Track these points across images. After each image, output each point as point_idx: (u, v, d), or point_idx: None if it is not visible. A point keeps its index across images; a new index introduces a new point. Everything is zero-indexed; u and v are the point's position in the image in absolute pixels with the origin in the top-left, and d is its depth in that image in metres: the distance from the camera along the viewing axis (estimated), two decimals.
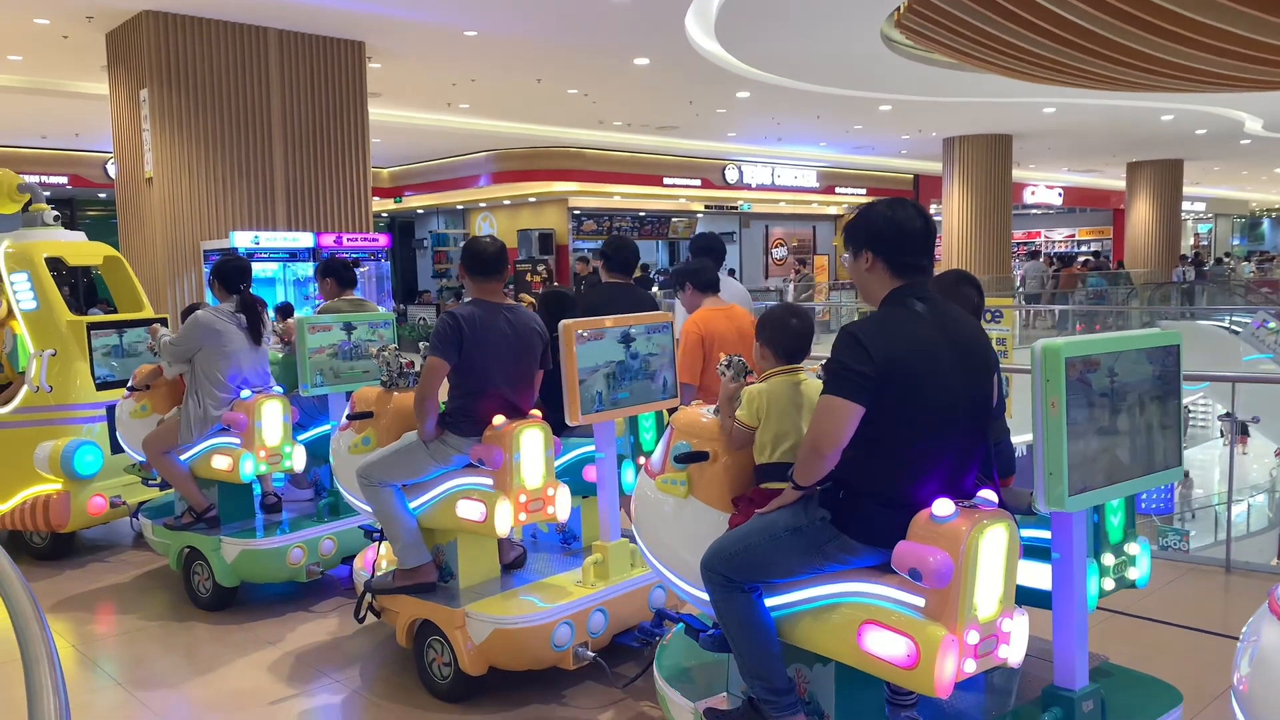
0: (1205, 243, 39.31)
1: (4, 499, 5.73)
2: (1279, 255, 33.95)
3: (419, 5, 9.86)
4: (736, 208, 25.48)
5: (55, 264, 6.06)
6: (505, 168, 20.96)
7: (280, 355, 5.57)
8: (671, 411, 3.59)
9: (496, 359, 3.83)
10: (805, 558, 2.62)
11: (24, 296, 5.81)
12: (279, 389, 5.14)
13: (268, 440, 4.88)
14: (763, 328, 3.05)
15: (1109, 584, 2.78)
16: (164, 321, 6.11)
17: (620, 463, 4.06)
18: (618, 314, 3.91)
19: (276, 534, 4.86)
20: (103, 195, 19.63)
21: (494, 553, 4.09)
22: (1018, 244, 31.76)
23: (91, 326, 5.91)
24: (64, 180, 18.65)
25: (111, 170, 13.44)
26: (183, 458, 4.98)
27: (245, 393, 4.96)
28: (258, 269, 7.58)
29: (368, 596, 4.01)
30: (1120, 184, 27.71)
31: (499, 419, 3.78)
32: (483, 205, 23.40)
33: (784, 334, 3.01)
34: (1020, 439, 3.52)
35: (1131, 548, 2.84)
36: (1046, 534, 2.68)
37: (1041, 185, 30.83)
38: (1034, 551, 2.78)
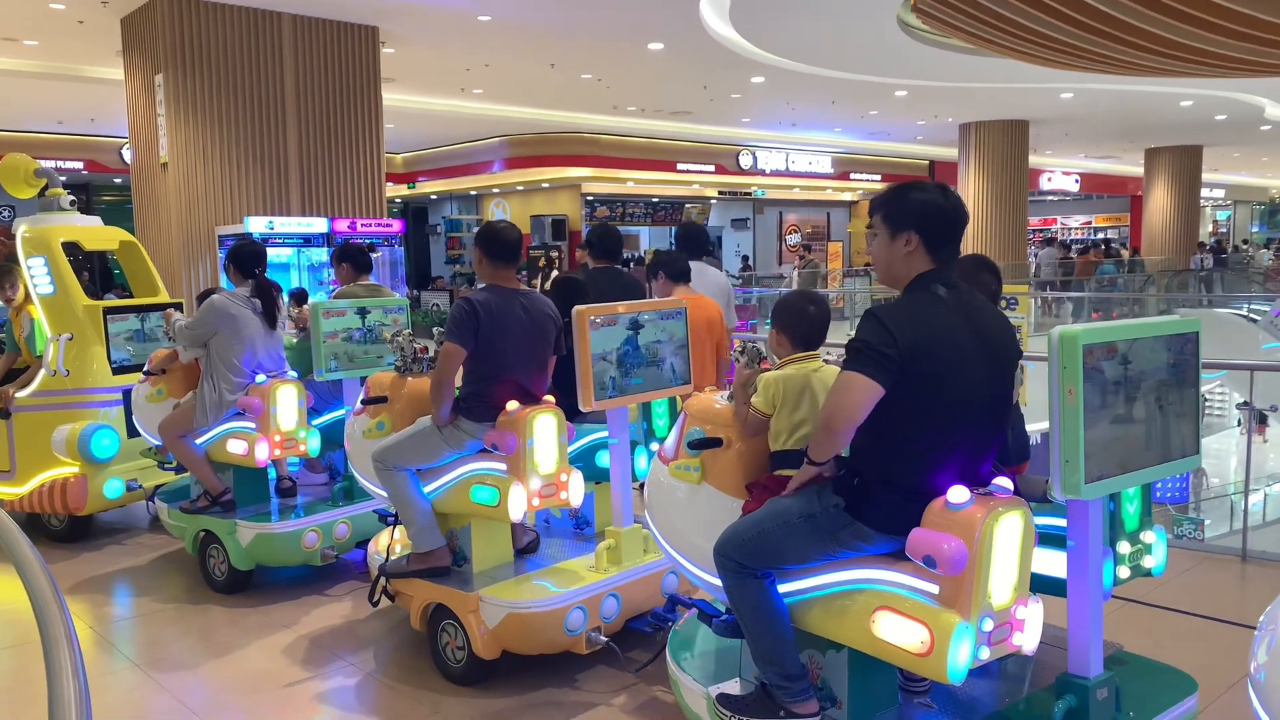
0: (1224, 230, 38.99)
1: (22, 482, 5.78)
2: None
3: None
4: (750, 194, 25.39)
5: (71, 249, 6.08)
6: (518, 153, 20.94)
7: (295, 341, 5.59)
8: (685, 398, 3.58)
9: (512, 345, 3.82)
10: (819, 544, 2.61)
11: (41, 281, 5.84)
12: (293, 374, 5.15)
13: (283, 425, 4.90)
14: (779, 314, 3.03)
15: (1124, 572, 2.77)
16: (179, 306, 6.14)
17: (634, 449, 4.06)
18: (607, 297, 3.92)
19: (291, 518, 4.88)
20: (118, 180, 19.72)
21: (507, 537, 4.10)
22: (1034, 231, 31.55)
23: (108, 311, 5.94)
24: (80, 165, 18.73)
25: (127, 155, 13.50)
26: (198, 442, 5.00)
27: (260, 377, 4.98)
28: (272, 254, 7.60)
29: (382, 580, 4.03)
30: (1138, 170, 27.47)
31: (513, 404, 3.78)
32: (496, 191, 23.39)
33: (801, 321, 2.99)
34: (1035, 426, 3.50)
35: (1147, 536, 2.82)
36: (1062, 521, 2.67)
37: (1058, 171, 30.60)
38: (1049, 539, 2.77)
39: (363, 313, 5.05)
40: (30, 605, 1.87)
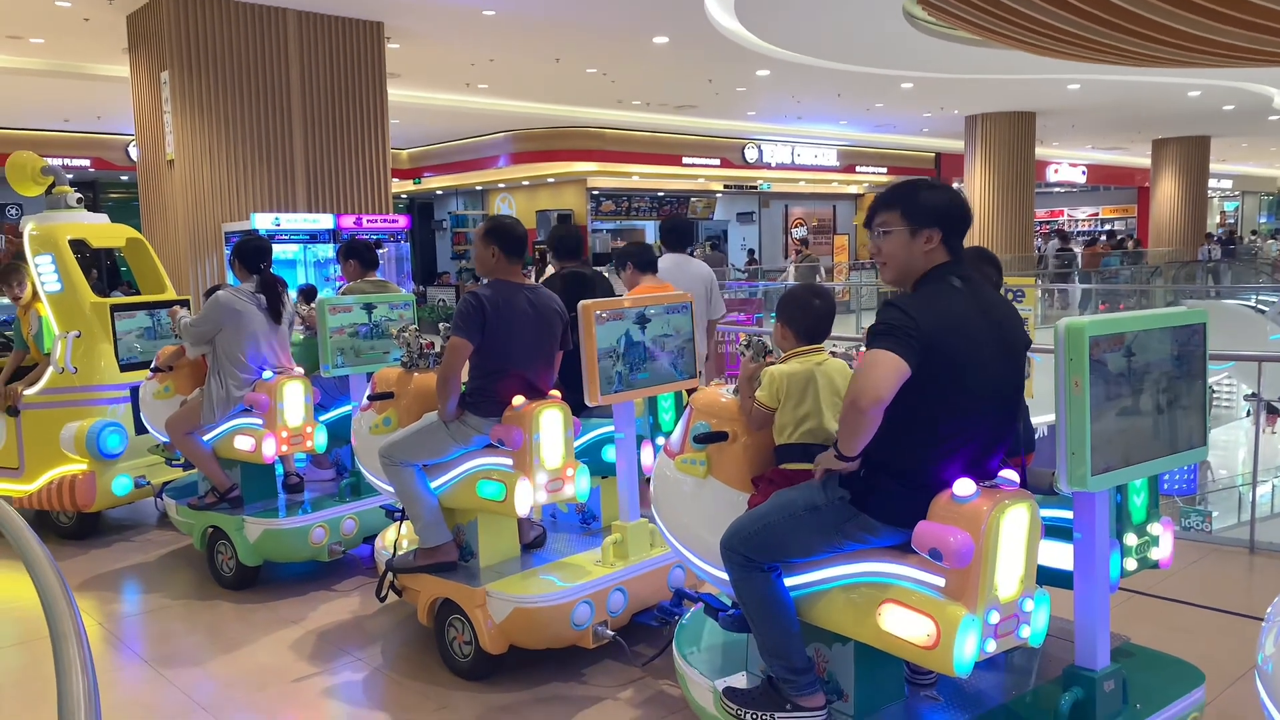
0: (1232, 220, 38.82)
1: (31, 479, 5.80)
2: None
3: None
4: (756, 187, 25.35)
5: (79, 246, 6.10)
6: (524, 148, 20.94)
7: (302, 337, 5.60)
8: (690, 392, 3.58)
9: (518, 340, 3.83)
10: (824, 536, 2.61)
11: (48, 279, 5.86)
12: (298, 370, 5.16)
13: (289, 421, 4.91)
14: (784, 308, 3.03)
15: (1131, 564, 2.77)
16: (186, 303, 6.15)
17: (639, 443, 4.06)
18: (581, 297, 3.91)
19: (299, 514, 4.89)
20: (125, 178, 19.77)
21: (514, 532, 4.11)
22: (1040, 223, 31.45)
23: (115, 308, 5.96)
24: (87, 163, 18.80)
25: (133, 153, 13.53)
26: (205, 438, 5.01)
27: (267, 373, 4.99)
28: (278, 251, 7.62)
29: (389, 575, 4.04)
30: (1145, 161, 27.36)
31: (519, 399, 3.78)
32: (501, 186, 23.39)
33: (805, 314, 2.99)
34: (1041, 419, 3.49)
35: (1154, 528, 2.82)
36: (1069, 514, 2.66)
37: (1065, 163, 30.50)
38: (1056, 531, 2.76)
39: (369, 308, 5.06)
40: (39, 602, 1.88)
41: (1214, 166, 27.60)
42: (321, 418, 5.23)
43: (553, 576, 3.82)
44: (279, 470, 5.20)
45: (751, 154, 23.55)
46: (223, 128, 10.03)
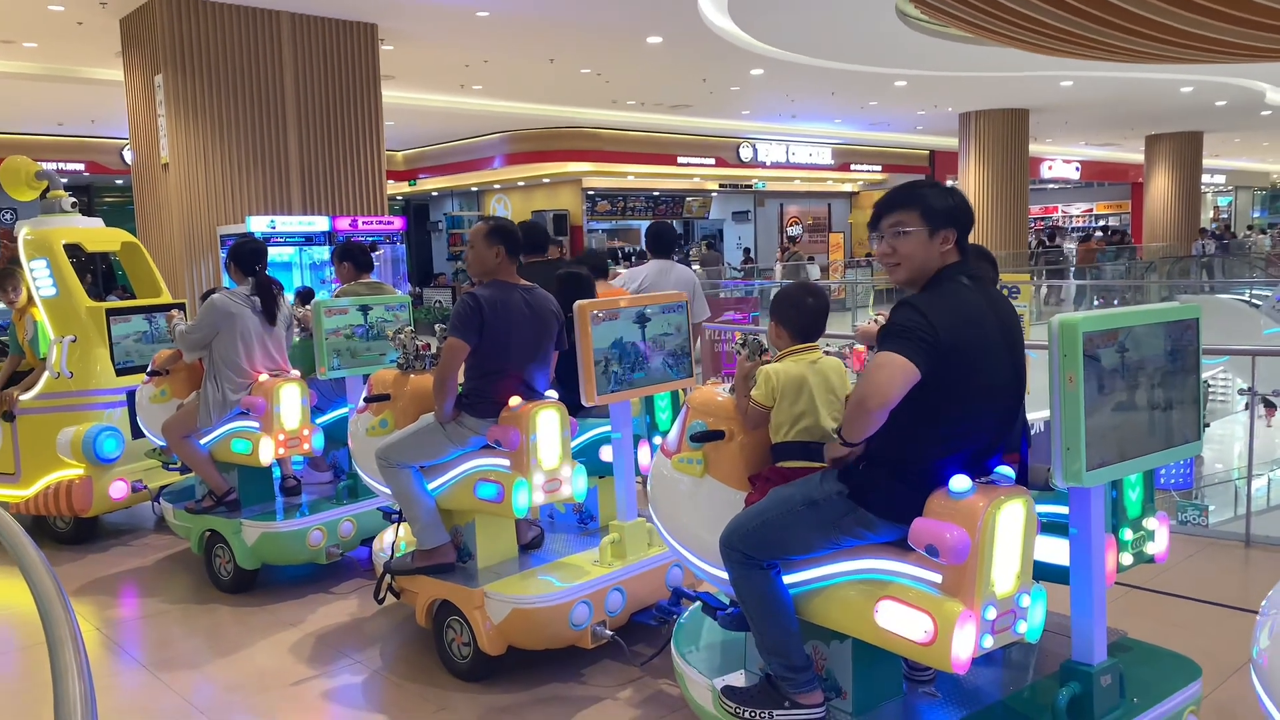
0: (1225, 215, 38.89)
1: (28, 484, 5.79)
2: None
3: None
4: (751, 186, 25.37)
5: (74, 250, 6.09)
6: (519, 149, 20.93)
7: (298, 340, 5.59)
8: (687, 391, 3.59)
9: (515, 340, 3.83)
10: (822, 532, 2.61)
11: (43, 283, 5.85)
12: (294, 372, 5.16)
13: (286, 424, 4.91)
14: (777, 307, 3.03)
15: (1127, 559, 2.77)
16: (181, 307, 6.15)
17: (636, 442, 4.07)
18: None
19: (296, 517, 4.89)
20: (120, 181, 19.75)
21: (512, 533, 4.11)
22: (1035, 219, 31.49)
23: (110, 312, 5.95)
24: (81, 167, 18.77)
25: (128, 156, 13.51)
26: (202, 442, 5.01)
27: (263, 376, 4.99)
28: (274, 253, 7.61)
29: (387, 577, 4.04)
30: (1139, 157, 27.41)
31: (515, 400, 3.79)
32: (497, 187, 23.39)
33: (800, 313, 3.00)
34: (1036, 415, 3.50)
35: (1150, 523, 2.83)
36: (1064, 509, 2.67)
37: (1059, 160, 30.55)
38: (1052, 527, 2.77)
39: (365, 310, 5.06)
40: (36, 607, 1.88)
41: (1207, 162, 27.66)
42: (318, 420, 5.23)
43: (551, 577, 3.83)
44: (276, 473, 5.20)
45: (746, 153, 23.57)
46: (217, 131, 10.02)
